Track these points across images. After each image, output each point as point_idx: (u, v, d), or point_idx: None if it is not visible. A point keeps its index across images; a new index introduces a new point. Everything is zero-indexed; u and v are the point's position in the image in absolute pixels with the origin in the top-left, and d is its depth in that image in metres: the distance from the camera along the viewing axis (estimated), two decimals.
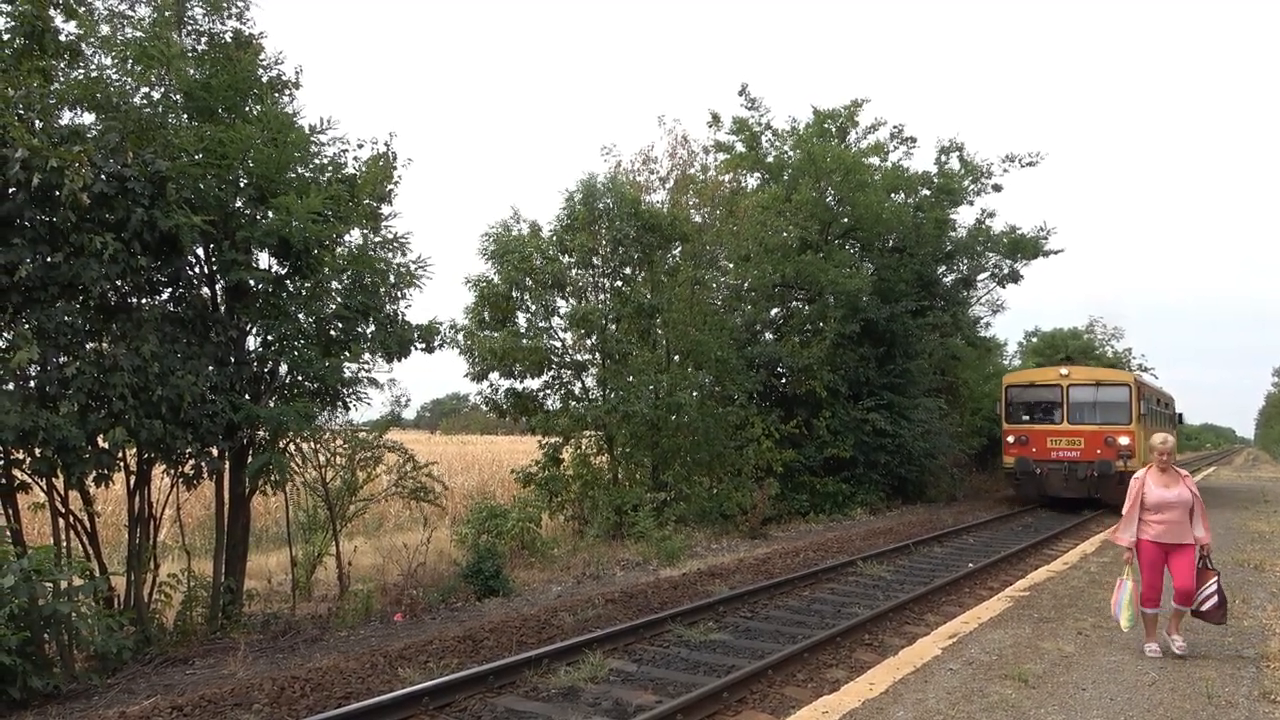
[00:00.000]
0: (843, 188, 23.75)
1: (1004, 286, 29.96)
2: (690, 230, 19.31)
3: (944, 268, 28.43)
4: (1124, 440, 21.16)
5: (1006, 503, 25.36)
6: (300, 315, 10.49)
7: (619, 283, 18.73)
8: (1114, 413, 21.84)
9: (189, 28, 10.85)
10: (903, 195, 26.10)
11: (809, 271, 22.10)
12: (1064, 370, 23.01)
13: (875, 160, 25.82)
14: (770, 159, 25.51)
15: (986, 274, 29.68)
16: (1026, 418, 22.99)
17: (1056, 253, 29.19)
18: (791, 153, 25.11)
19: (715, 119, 25.80)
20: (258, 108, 10.76)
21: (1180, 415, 32.35)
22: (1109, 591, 9.98)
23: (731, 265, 22.63)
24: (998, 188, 27.35)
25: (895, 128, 26.60)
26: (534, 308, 18.12)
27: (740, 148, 25.56)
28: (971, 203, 27.72)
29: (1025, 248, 28.56)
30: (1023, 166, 27.15)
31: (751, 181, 25.49)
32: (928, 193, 26.70)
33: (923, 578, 12.74)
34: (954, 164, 27.12)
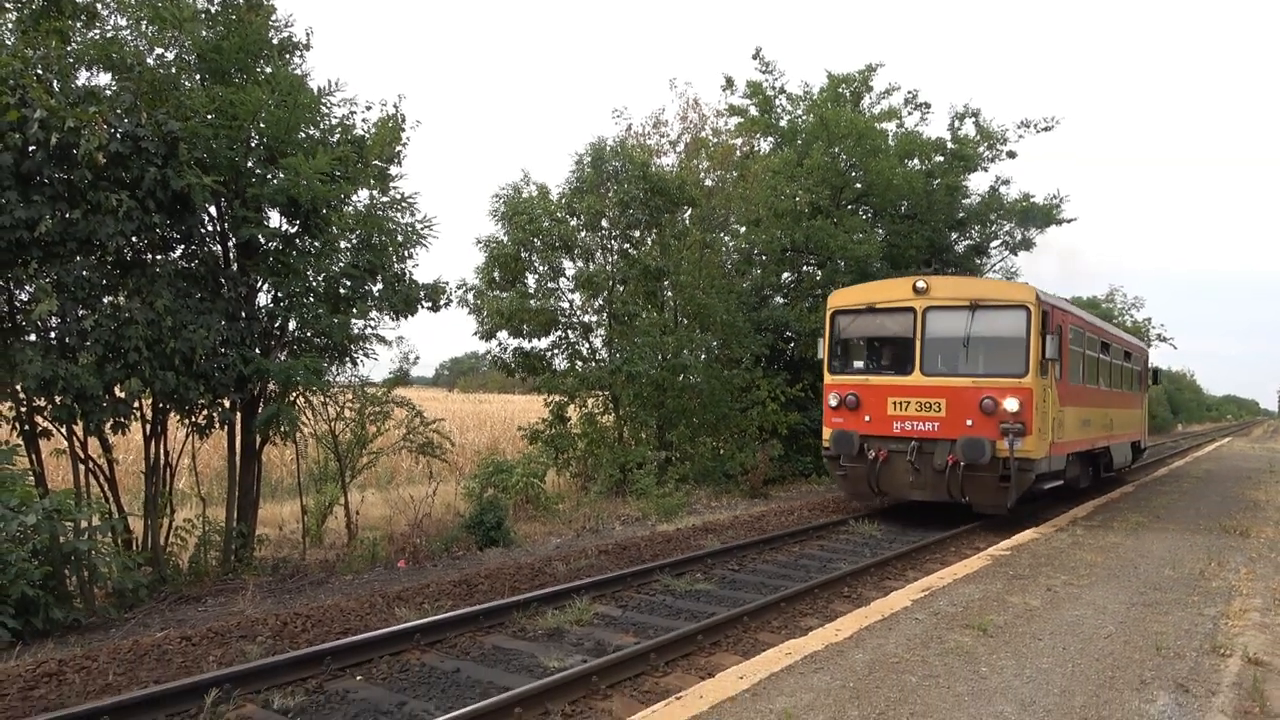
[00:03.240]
0: (855, 153, 23.72)
1: (1016, 254, 29.87)
2: (699, 194, 19.47)
3: (956, 235, 28.37)
4: (1011, 404, 12.44)
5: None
6: (309, 273, 10.83)
7: (627, 245, 18.97)
8: (999, 355, 13.04)
9: None
10: (916, 161, 26.01)
11: (819, 237, 22.20)
12: (920, 283, 13.58)
13: (889, 126, 25.72)
14: (783, 123, 25.48)
15: (999, 242, 29.60)
16: (859, 364, 14.51)
17: (1070, 221, 29.02)
18: (804, 117, 25.07)
19: (729, 82, 25.76)
20: (268, 69, 11.02)
21: (1155, 372, 26.36)
22: (1090, 553, 10.30)
23: (742, 229, 22.78)
24: (1012, 154, 27.15)
25: (910, 93, 26.44)
26: (542, 269, 18.42)
27: (754, 111, 25.53)
28: (986, 169, 27.52)
29: (1038, 215, 28.42)
30: (1038, 132, 26.93)
31: (764, 146, 25.52)
32: (941, 159, 26.57)
33: (914, 537, 13.05)
34: (969, 129, 26.95)
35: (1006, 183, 28.68)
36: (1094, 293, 55.65)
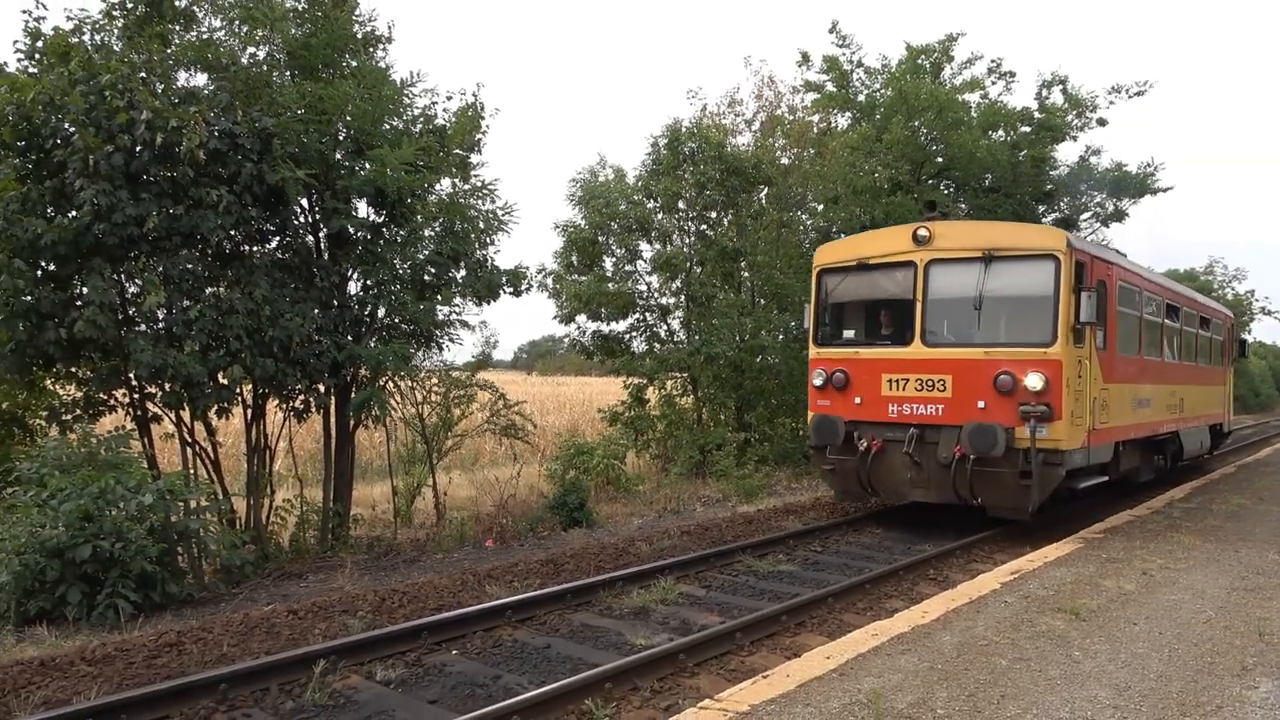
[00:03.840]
0: (936, 126, 23.14)
1: (1108, 226, 28.76)
2: (776, 173, 19.30)
3: (1044, 207, 27.46)
4: (1034, 380, 9.97)
5: None
6: (396, 261, 11.16)
7: (704, 226, 18.95)
8: (1020, 319, 10.66)
9: None
10: (1001, 132, 25.24)
11: (899, 213, 21.72)
12: (921, 230, 10.98)
13: (971, 97, 25.00)
14: (861, 98, 24.99)
15: (1089, 214, 28.53)
16: (850, 333, 12.15)
17: (1166, 190, 27.78)
18: (883, 91, 24.54)
19: (804, 58, 25.36)
20: (353, 63, 11.35)
21: (1242, 344, 22.53)
22: (1187, 536, 9.97)
23: (819, 207, 22.49)
24: (1103, 121, 26.10)
25: (993, 61, 25.66)
26: (620, 252, 18.54)
27: (830, 87, 25.10)
28: (1075, 138, 26.50)
29: (1131, 185, 27.28)
30: (1130, 97, 25.82)
31: (842, 121, 25.06)
32: (1028, 129, 25.72)
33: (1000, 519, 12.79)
34: (1056, 98, 25.99)
35: (1097, 152, 27.63)
36: (1191, 265, 53.24)
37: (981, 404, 10.24)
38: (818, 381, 11.60)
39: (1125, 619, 6.65)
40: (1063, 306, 10.14)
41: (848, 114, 24.95)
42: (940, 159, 24.19)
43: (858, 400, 11.23)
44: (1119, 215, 28.28)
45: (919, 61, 24.95)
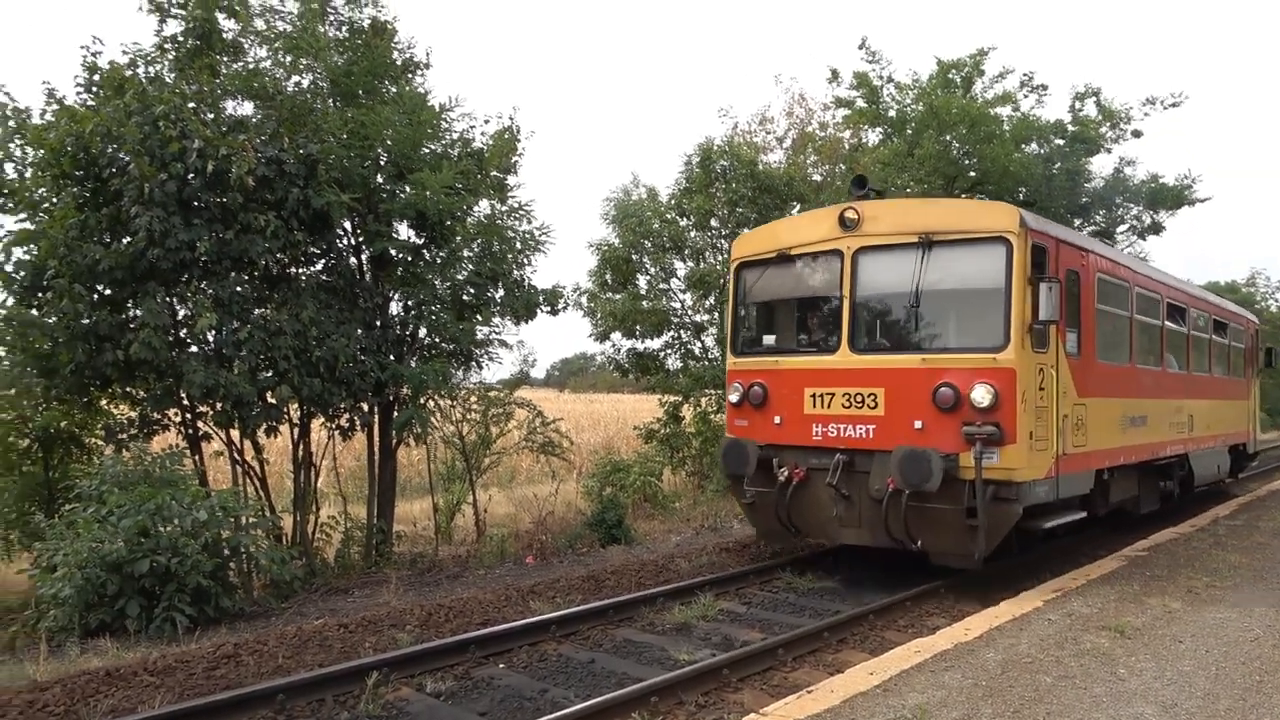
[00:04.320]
0: (968, 140, 23.11)
1: (1145, 239, 28.43)
2: (808, 189, 19.37)
3: (1080, 221, 27.23)
4: (980, 394, 8.23)
5: None
6: (436, 282, 11.40)
7: None
8: (965, 318, 9.07)
9: (331, 17, 11.75)
10: (1034, 145, 25.13)
11: None
12: (848, 212, 9.29)
13: (1003, 110, 24.93)
14: (892, 113, 25.00)
15: (1126, 226, 28.26)
16: (769, 340, 10.28)
17: (1203, 201, 27.43)
18: (913, 106, 24.55)
19: (834, 74, 25.42)
20: (393, 89, 11.64)
21: (1269, 352, 20.02)
22: (1233, 554, 9.85)
23: None
24: (1137, 133, 25.84)
25: (1025, 75, 25.50)
26: (653, 270, 18.69)
27: (861, 103, 25.13)
28: (1109, 150, 26.28)
29: (1168, 197, 26.99)
30: (1165, 109, 25.55)
31: (873, 137, 25.10)
32: (1061, 142, 25.57)
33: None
34: (1089, 110, 25.82)
35: (1132, 164, 27.36)
36: (1233, 277, 52.40)
37: (919, 424, 8.43)
38: (733, 398, 9.89)
39: (1171, 637, 6.62)
40: (1016, 301, 8.29)
41: (879, 129, 24.99)
42: (973, 173, 24.12)
43: (777, 420, 9.45)
44: (1156, 228, 27.97)
45: (950, 76, 24.94)
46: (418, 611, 7.97)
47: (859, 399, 8.90)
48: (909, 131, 23.76)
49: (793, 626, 7.74)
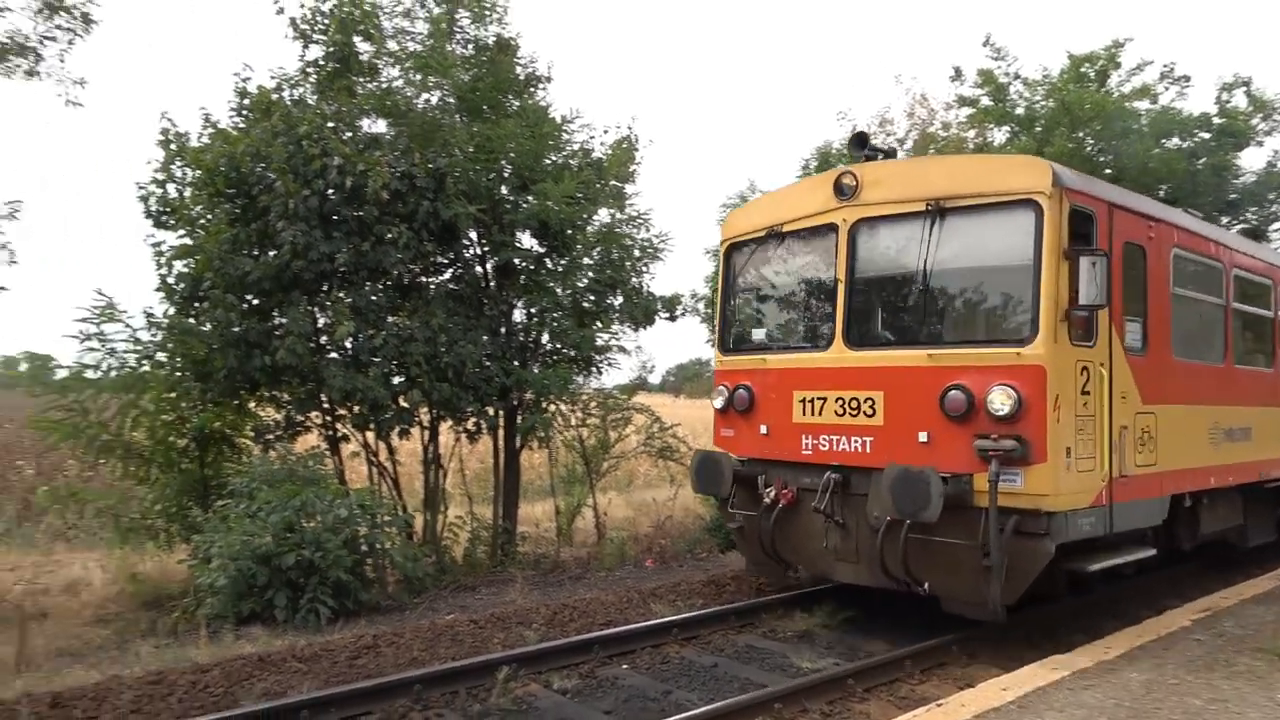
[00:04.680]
0: (1104, 136, 22.02)
1: None
2: None
3: (1228, 219, 25.53)
4: (997, 398, 6.63)
5: None
6: (558, 289, 11.65)
7: None
8: (982, 302, 7.51)
9: (458, 35, 12.20)
10: (1176, 140, 23.72)
11: None
12: (845, 178, 7.79)
13: (1141, 104, 23.65)
14: (1019, 110, 24.05)
15: None
16: (761, 333, 9.01)
17: None
18: (1043, 102, 23.57)
19: (957, 73, 24.58)
20: (515, 103, 12.00)
21: None
22: None
23: None
24: None
25: (1166, 66, 24.08)
26: None
27: (986, 101, 24.30)
28: (1260, 143, 24.56)
29: None
30: None
31: (999, 136, 24.24)
32: (1206, 135, 24.05)
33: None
34: (1239, 100, 24.16)
35: None
36: None
37: (924, 436, 6.92)
38: (718, 403, 8.52)
39: None
40: (1047, 280, 6.63)
41: (1005, 128, 24.11)
42: (1109, 170, 22.94)
43: (763, 429, 8.05)
44: None
45: (1082, 70, 23.83)
46: (543, 610, 8.17)
47: (854, 405, 7.40)
48: (1038, 129, 22.81)
49: (920, 638, 7.54)
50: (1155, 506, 7.83)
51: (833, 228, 7.80)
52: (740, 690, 6.28)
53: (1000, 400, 6.55)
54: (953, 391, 6.73)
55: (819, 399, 7.64)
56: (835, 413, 7.51)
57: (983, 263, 7.23)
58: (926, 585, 7.00)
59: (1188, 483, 8.34)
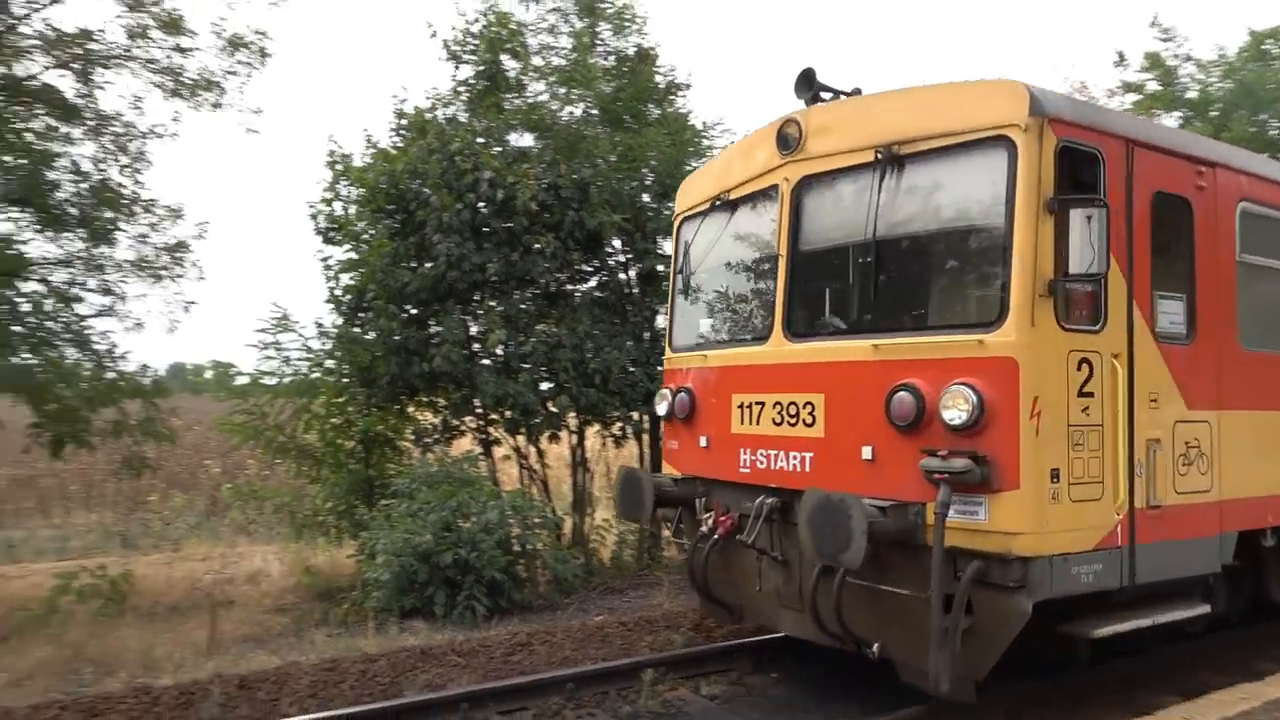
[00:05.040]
0: None
1: None
2: None
3: None
4: (952, 405, 4.95)
5: None
6: None
7: None
8: (945, 273, 6.01)
9: (599, 48, 12.45)
10: None
11: None
12: (788, 128, 6.17)
13: None
14: (1191, 94, 22.40)
15: None
16: (705, 326, 7.36)
17: None
18: (1220, 85, 21.85)
19: (1121, 57, 23.16)
20: (656, 112, 12.13)
21: None
22: None
23: None
24: None
25: None
26: None
27: (1153, 86, 22.77)
28: None
29: None
30: None
31: (1169, 122, 22.64)
32: None
33: None
34: None
35: None
36: None
37: (868, 452, 5.41)
38: (661, 409, 7.14)
39: None
40: (1021, 242, 4.98)
41: (1176, 113, 22.50)
42: None
43: (703, 441, 6.65)
44: None
45: (1264, 47, 21.96)
46: (691, 615, 8.19)
47: (792, 411, 5.90)
48: (1214, 114, 21.17)
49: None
50: (1209, 547, 5.87)
51: (775, 190, 6.31)
52: (896, 705, 6.08)
53: (953, 405, 4.95)
54: (900, 394, 5.18)
55: (757, 404, 6.17)
56: (773, 421, 6.02)
57: (943, 224, 5.63)
58: (876, 647, 5.51)
59: (1270, 514, 6.39)
